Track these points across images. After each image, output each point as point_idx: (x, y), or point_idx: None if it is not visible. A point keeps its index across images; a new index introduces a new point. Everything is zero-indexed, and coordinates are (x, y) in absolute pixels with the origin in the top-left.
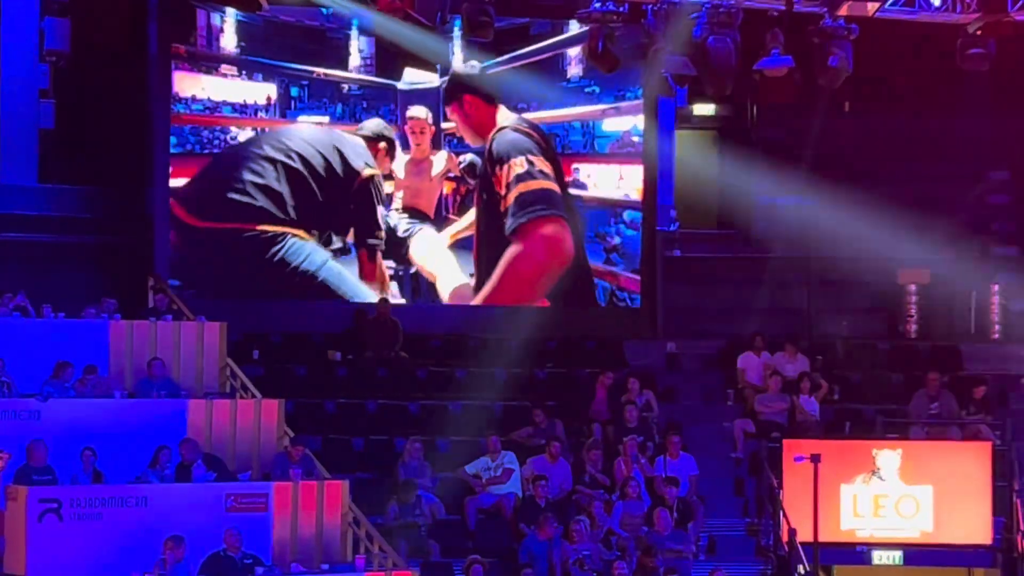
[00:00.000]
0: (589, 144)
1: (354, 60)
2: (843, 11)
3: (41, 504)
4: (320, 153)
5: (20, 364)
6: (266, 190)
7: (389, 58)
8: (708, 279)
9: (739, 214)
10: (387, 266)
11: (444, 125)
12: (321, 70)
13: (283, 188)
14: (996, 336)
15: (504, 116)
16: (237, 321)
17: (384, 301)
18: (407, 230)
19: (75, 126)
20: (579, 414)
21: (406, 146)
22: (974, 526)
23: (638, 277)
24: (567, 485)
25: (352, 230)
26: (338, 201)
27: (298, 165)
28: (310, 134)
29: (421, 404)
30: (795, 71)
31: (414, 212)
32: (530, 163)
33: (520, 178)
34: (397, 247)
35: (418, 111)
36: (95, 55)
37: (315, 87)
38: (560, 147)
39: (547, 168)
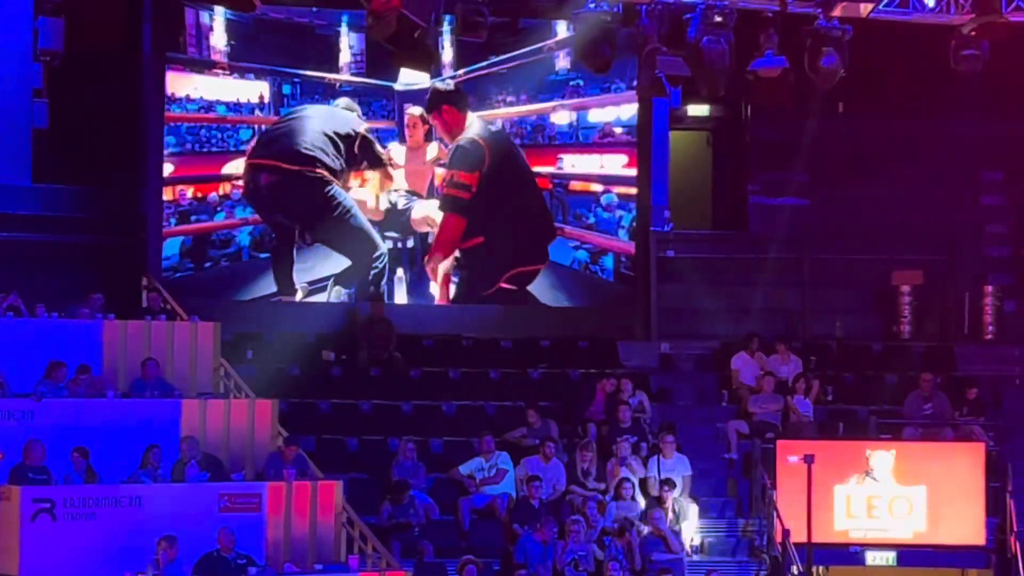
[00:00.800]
0: (575, 135)
1: (344, 57)
2: (837, 12)
3: (34, 504)
4: (338, 120)
5: (13, 364)
6: (317, 146)
7: (380, 55)
8: (702, 280)
9: (733, 215)
10: (389, 235)
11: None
12: (331, 75)
13: (326, 145)
14: (989, 337)
15: (470, 122)
16: (230, 321)
17: (378, 302)
18: (406, 204)
19: (69, 126)
20: (573, 414)
21: (404, 138)
22: (967, 527)
23: (610, 238)
24: (561, 485)
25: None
26: (351, 150)
27: (328, 130)
28: (326, 111)
29: (415, 404)
30: (789, 72)
31: (411, 192)
32: (452, 175)
33: (444, 182)
34: (398, 218)
35: (413, 110)
36: (89, 55)
37: (307, 84)
38: (547, 139)
39: (466, 180)
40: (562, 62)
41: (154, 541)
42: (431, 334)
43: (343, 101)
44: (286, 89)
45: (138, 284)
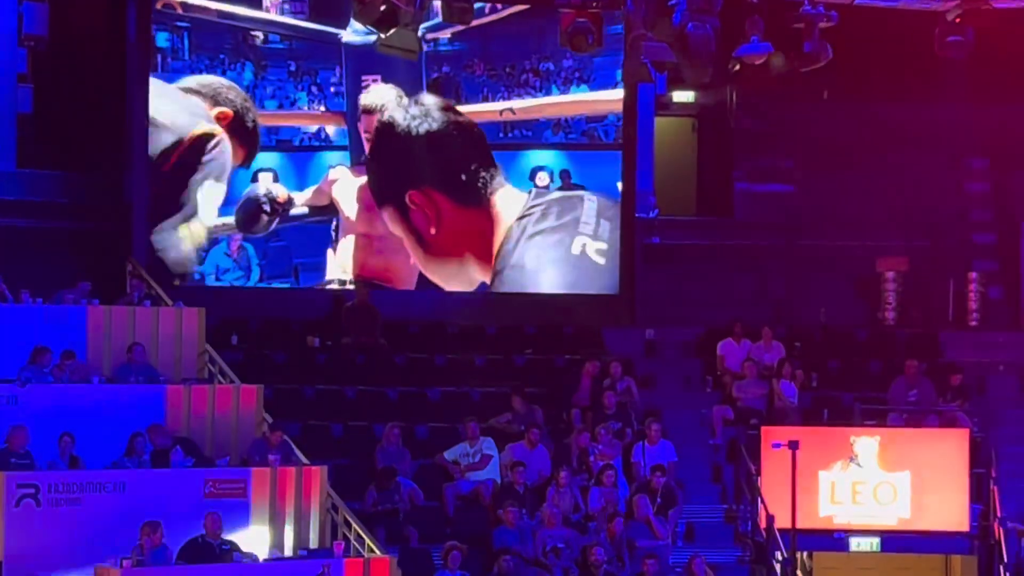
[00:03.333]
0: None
1: None
2: None
3: (19, 489)
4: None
5: None
6: None
7: None
8: (687, 266)
9: (718, 201)
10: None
11: (426, 101)
12: (251, 12)
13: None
14: (974, 323)
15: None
16: (216, 307)
17: (363, 288)
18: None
19: (53, 111)
20: (558, 400)
21: (362, 156)
22: (951, 513)
23: None
24: (546, 471)
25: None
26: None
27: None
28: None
29: (400, 390)
30: (774, 58)
31: (375, 287)
32: None
33: None
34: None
35: (381, 96)
36: (73, 40)
37: (203, 35)
38: None
39: None
40: None
41: (138, 527)
42: (416, 320)
43: (211, 79)
44: (162, 39)
45: (122, 270)
